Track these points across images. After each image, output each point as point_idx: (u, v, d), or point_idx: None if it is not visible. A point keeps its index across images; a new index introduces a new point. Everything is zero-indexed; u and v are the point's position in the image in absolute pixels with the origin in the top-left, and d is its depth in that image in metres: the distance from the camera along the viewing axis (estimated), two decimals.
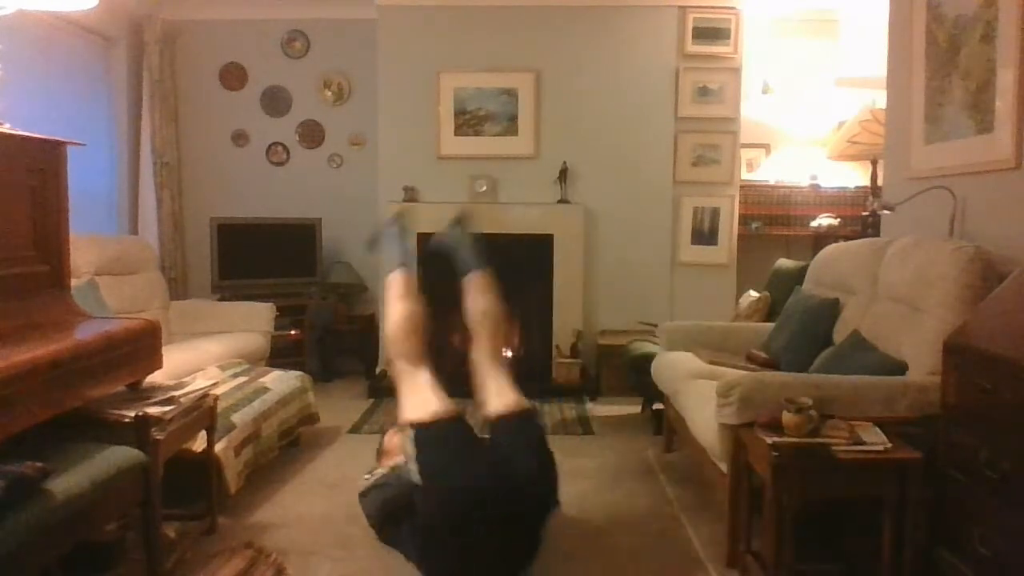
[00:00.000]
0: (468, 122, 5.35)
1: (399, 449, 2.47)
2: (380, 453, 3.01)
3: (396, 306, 2.88)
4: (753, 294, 4.48)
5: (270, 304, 4.90)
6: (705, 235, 5.37)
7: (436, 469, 2.18)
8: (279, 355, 4.96)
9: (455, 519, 2.12)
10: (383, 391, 5.04)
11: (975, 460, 1.98)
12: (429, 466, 2.18)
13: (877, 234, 4.07)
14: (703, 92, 5.28)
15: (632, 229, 5.37)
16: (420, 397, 2.42)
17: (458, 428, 2.31)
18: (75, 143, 2.62)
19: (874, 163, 4.96)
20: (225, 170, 5.81)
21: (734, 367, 3.26)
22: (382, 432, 3.24)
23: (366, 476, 2.73)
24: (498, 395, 2.42)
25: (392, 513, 2.45)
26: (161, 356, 2.73)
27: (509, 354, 5.22)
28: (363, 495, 2.71)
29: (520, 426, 2.33)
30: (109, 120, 5.38)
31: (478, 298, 2.78)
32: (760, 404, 2.43)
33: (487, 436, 2.41)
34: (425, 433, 2.26)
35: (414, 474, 2.22)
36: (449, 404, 2.37)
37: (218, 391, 3.14)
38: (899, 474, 2.19)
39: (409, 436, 2.28)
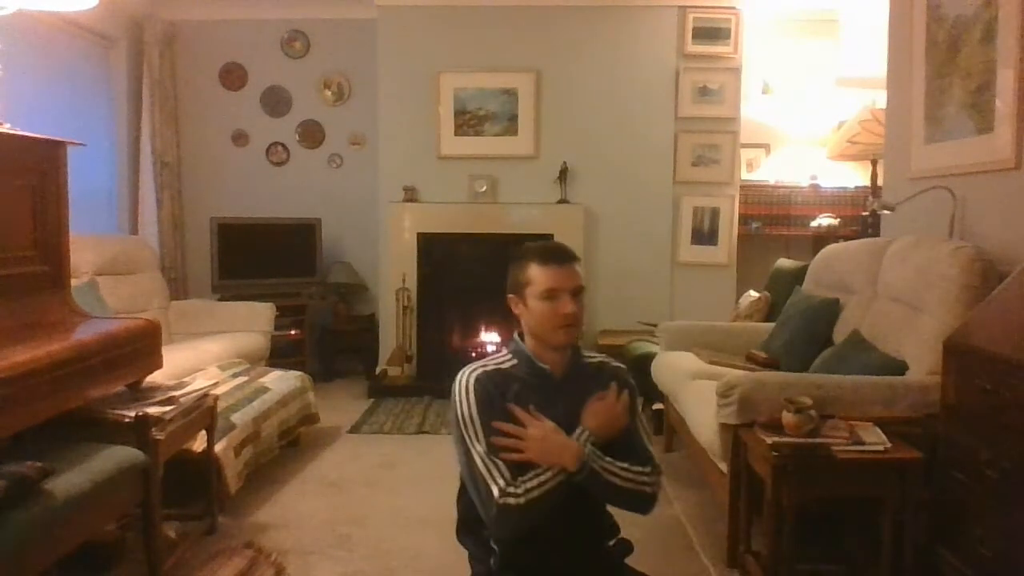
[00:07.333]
0: (468, 122, 5.35)
1: None
2: None
3: None
4: (753, 294, 4.48)
5: (270, 304, 4.90)
6: (705, 235, 5.37)
7: None
8: (279, 355, 4.96)
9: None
10: (383, 391, 5.05)
11: (975, 460, 1.98)
12: None
13: (877, 234, 4.06)
14: (703, 92, 5.28)
15: (632, 229, 5.37)
16: None
17: None
18: (75, 143, 2.62)
19: (874, 163, 4.96)
20: (225, 170, 5.80)
21: (734, 367, 3.26)
22: None
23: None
24: None
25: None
26: (161, 356, 2.73)
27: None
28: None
29: None
30: (109, 120, 5.38)
31: None
32: (760, 404, 2.43)
33: None
34: None
35: None
36: None
37: (218, 391, 3.14)
38: (899, 474, 2.19)
39: None
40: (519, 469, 1.57)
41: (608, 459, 1.61)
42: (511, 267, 1.72)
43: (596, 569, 1.71)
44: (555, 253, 1.68)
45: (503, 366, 1.71)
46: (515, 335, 1.75)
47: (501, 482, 1.54)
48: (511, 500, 1.53)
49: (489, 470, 1.56)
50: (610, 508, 1.74)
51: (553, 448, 1.58)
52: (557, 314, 1.64)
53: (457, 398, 1.65)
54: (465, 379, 1.66)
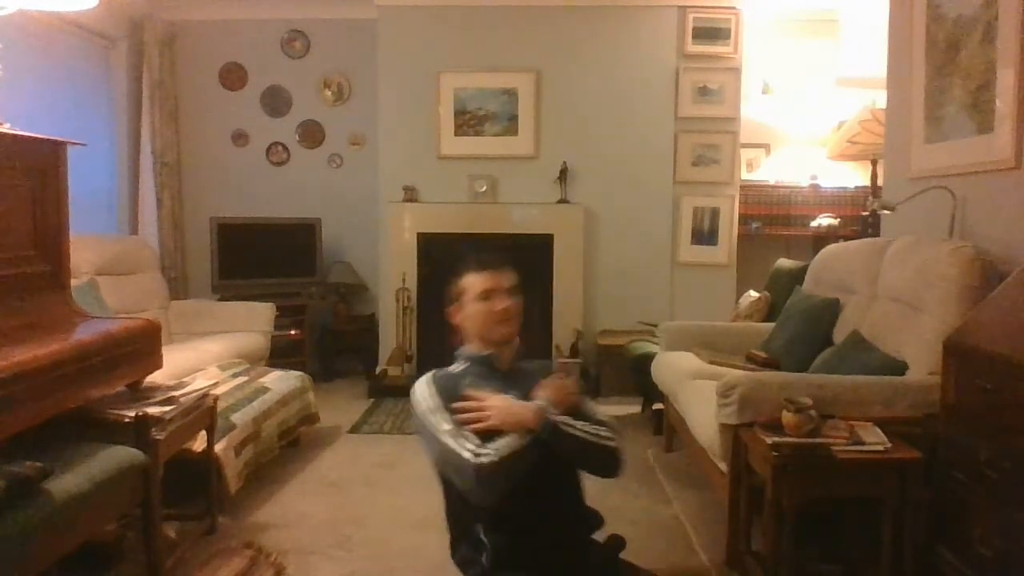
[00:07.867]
0: (468, 122, 5.35)
1: None
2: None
3: None
4: (753, 294, 4.48)
5: (270, 304, 4.91)
6: (705, 235, 5.37)
7: None
8: (279, 355, 4.96)
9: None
10: (383, 391, 5.05)
11: (975, 460, 1.98)
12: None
13: (877, 234, 4.06)
14: (703, 92, 5.28)
15: (632, 229, 5.37)
16: None
17: None
18: (75, 143, 2.62)
19: (874, 163, 4.95)
20: (225, 170, 5.80)
21: (734, 367, 3.26)
22: None
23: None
24: None
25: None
26: (161, 356, 2.73)
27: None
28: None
29: None
30: (109, 120, 5.38)
31: None
32: (760, 404, 2.43)
33: None
34: None
35: None
36: None
37: (218, 391, 3.14)
38: (899, 474, 2.19)
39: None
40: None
41: (567, 416, 1.73)
42: (449, 287, 1.90)
43: (588, 564, 1.77)
44: (487, 261, 1.88)
45: (454, 371, 1.87)
46: (459, 350, 1.93)
47: (471, 446, 1.64)
48: (484, 459, 1.62)
49: (459, 441, 1.66)
50: (596, 506, 1.80)
51: (514, 410, 1.71)
52: (494, 311, 1.82)
53: (417, 397, 1.79)
54: (422, 381, 1.82)
